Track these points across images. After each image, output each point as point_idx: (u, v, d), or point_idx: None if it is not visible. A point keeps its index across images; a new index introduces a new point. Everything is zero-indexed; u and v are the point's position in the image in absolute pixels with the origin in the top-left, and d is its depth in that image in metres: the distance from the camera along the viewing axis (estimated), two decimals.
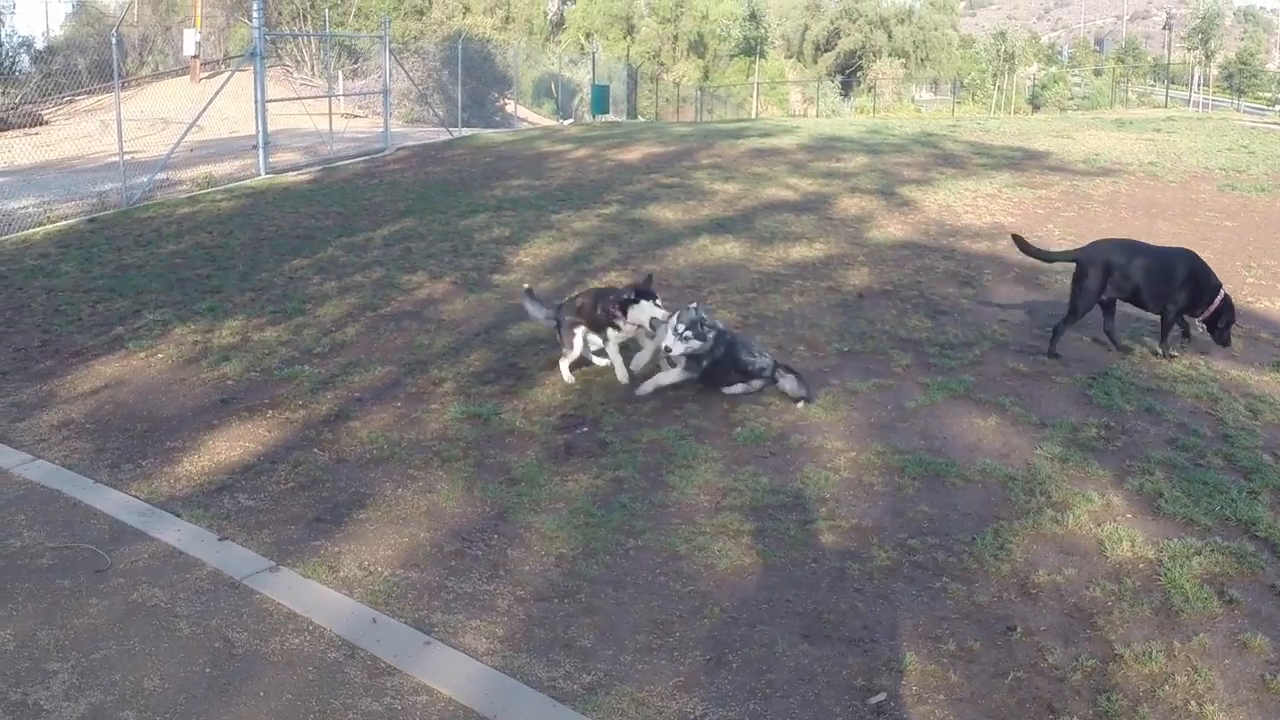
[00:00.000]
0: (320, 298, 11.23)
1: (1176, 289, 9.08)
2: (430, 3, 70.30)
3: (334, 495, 6.83)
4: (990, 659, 5.02)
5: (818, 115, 68.75)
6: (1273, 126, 38.29)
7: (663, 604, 5.49)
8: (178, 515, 6.60)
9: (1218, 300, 9.07)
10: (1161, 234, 14.06)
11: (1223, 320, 9.12)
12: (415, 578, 5.78)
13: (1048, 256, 10.04)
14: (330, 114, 25.02)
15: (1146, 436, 7.59)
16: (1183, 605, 5.43)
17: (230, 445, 7.72)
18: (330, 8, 46.07)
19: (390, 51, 27.53)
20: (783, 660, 5.01)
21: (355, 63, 45.42)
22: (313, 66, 44.84)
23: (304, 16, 51.14)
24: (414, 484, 6.95)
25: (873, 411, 7.96)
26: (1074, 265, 9.40)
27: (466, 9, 79.23)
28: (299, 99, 26.11)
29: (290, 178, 20.75)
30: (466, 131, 31.03)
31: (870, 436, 7.51)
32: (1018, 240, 9.95)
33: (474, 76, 40.76)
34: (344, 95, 35.78)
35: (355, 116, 34.88)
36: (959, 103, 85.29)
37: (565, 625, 5.32)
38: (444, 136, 28.83)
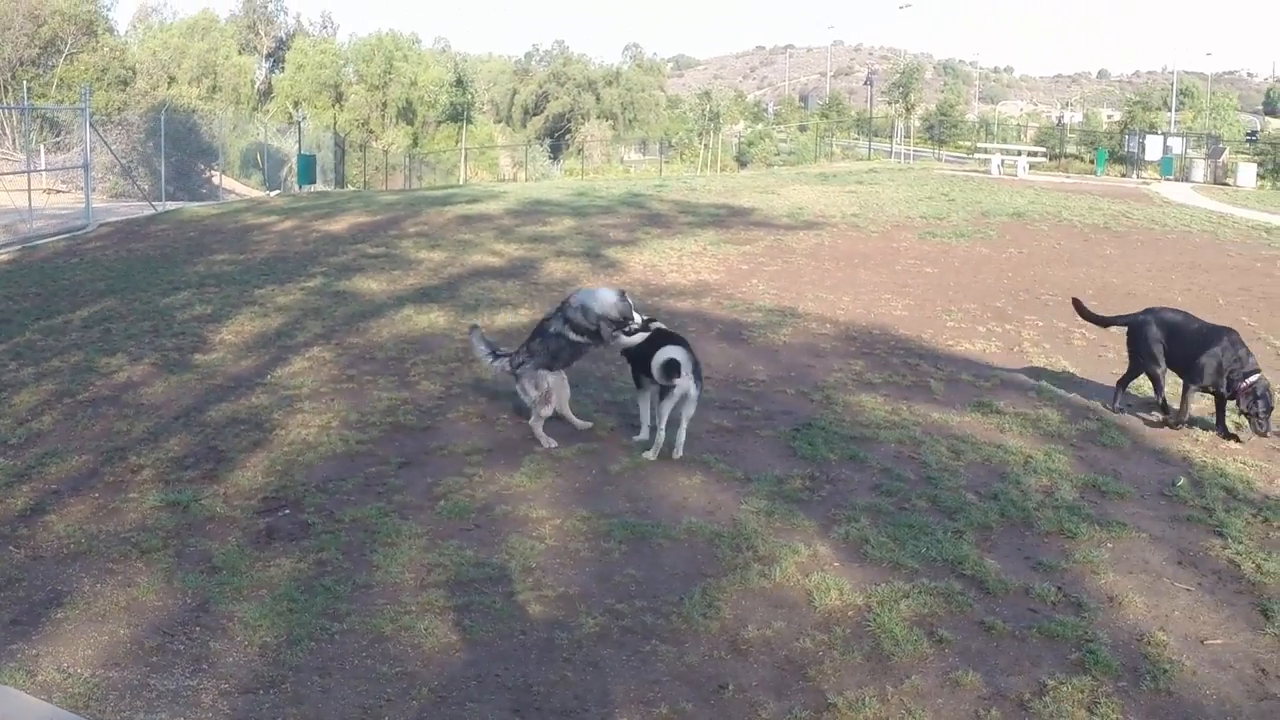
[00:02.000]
0: (16, 385, 10.71)
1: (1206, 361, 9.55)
2: (135, 72, 68.58)
3: (30, 594, 6.49)
4: (704, 719, 5.08)
5: (527, 179, 69.52)
6: (972, 174, 40.49)
7: (370, 688, 5.38)
8: None
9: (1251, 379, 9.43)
10: (864, 283, 14.68)
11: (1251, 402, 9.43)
12: (116, 677, 5.53)
13: (1104, 321, 10.67)
14: (30, 190, 24.13)
15: (851, 484, 7.86)
16: (893, 649, 5.62)
17: None
18: (30, 79, 44.50)
19: (92, 124, 26.72)
20: None
21: (58, 135, 43.92)
22: (14, 141, 43.18)
23: (4, 89, 49.23)
24: (113, 578, 6.67)
25: (578, 477, 8.02)
26: (1127, 328, 9.93)
27: (172, 79, 77.70)
28: None
29: None
30: (172, 205, 30.36)
31: (575, 502, 7.55)
32: (1076, 305, 10.73)
33: (179, 148, 39.92)
34: (46, 170, 34.54)
35: (58, 192, 33.69)
36: (667, 162, 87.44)
37: (271, 718, 5.16)
38: (148, 211, 28.06)
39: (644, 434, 8.72)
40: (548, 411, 8.80)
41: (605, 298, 8.78)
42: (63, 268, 18.16)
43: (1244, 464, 8.77)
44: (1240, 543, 7.15)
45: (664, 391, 8.18)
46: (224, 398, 9.77)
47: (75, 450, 8.84)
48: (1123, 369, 10.54)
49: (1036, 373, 11.37)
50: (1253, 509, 7.78)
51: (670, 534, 6.98)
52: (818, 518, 7.24)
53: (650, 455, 8.36)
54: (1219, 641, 5.91)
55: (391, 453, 8.51)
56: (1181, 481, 8.24)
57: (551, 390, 8.78)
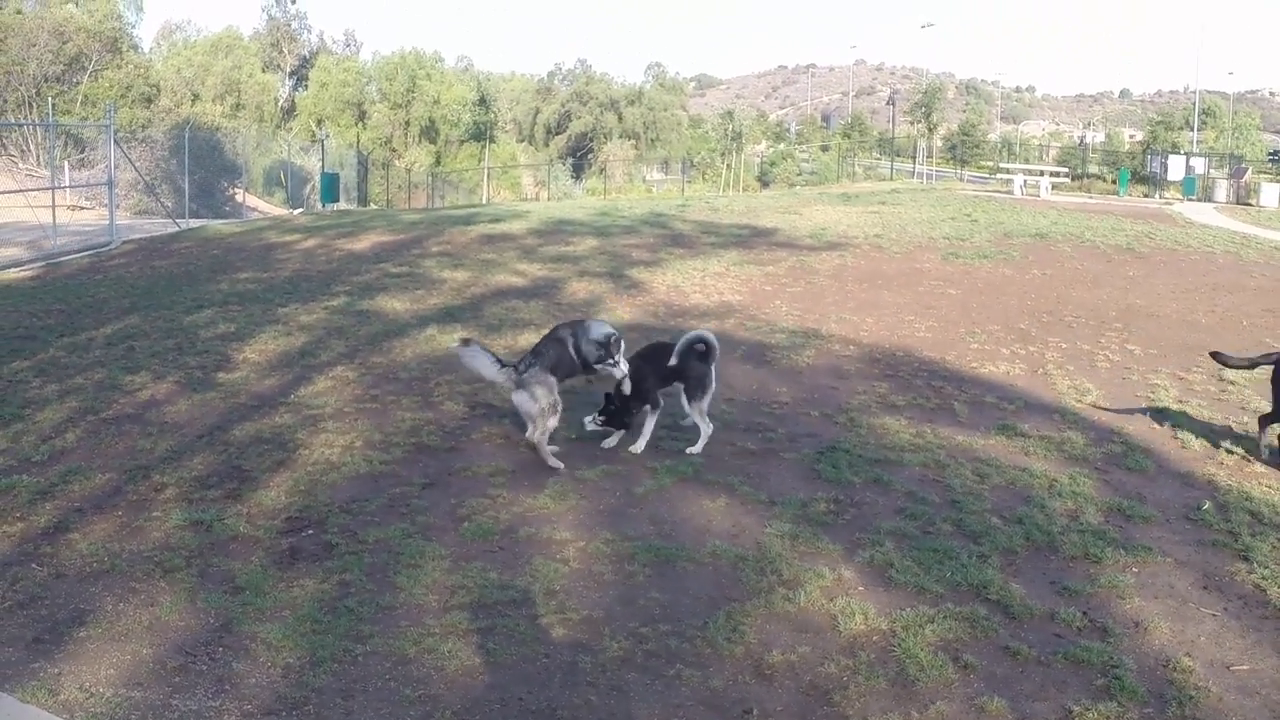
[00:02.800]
0: (40, 402, 10.75)
1: None
2: (159, 90, 68.92)
3: (53, 613, 6.51)
4: None
5: (549, 198, 69.58)
6: (994, 194, 40.44)
7: (393, 710, 5.38)
8: None
9: None
10: (886, 304, 14.67)
11: None
12: (139, 697, 5.53)
13: (1250, 364, 10.48)
14: (54, 207, 24.22)
15: (875, 508, 7.86)
16: (918, 674, 5.60)
17: None
18: (55, 96, 44.78)
19: (116, 141, 26.82)
20: None
21: (82, 153, 44.17)
22: (38, 157, 43.44)
23: (29, 105, 49.52)
24: (136, 597, 6.68)
25: (601, 499, 8.03)
26: (1273, 367, 9.76)
27: (195, 96, 78.21)
28: (21, 191, 25.15)
29: (11, 274, 19.88)
30: (195, 222, 30.45)
31: (599, 525, 7.56)
32: (1216, 356, 10.64)
33: (203, 165, 40.08)
34: (70, 187, 34.71)
35: (82, 208, 33.84)
36: (689, 182, 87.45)
37: None
38: (171, 228, 28.15)
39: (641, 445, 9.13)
40: (553, 423, 8.80)
41: (599, 329, 9.01)
42: (86, 284, 18.23)
43: (1270, 487, 8.72)
44: (1267, 567, 7.10)
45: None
46: (247, 416, 9.81)
47: (99, 468, 8.87)
48: (1146, 390, 10.51)
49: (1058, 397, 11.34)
50: (1278, 533, 7.73)
51: (694, 557, 6.98)
52: (842, 541, 7.23)
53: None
54: (1245, 667, 5.87)
55: (415, 473, 8.53)
56: (1207, 505, 8.21)
57: (558, 402, 8.81)
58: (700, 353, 9.18)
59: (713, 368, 9.30)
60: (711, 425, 9.24)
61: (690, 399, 9.22)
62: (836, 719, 5.24)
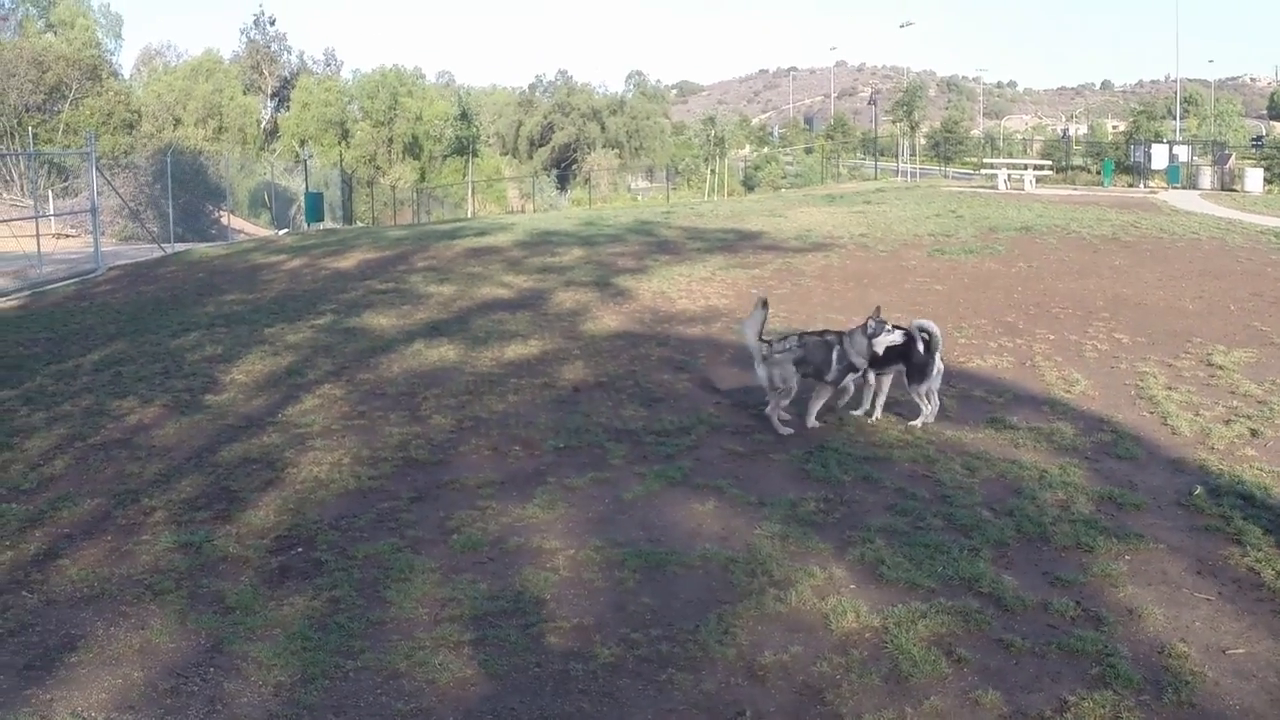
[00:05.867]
0: (27, 430, 10.73)
1: None
2: (140, 115, 68.98)
3: (44, 639, 6.48)
4: None
5: (535, 210, 69.70)
6: (979, 190, 40.51)
7: None
8: None
9: None
10: (873, 303, 14.60)
11: None
12: None
13: None
14: (38, 235, 24.23)
15: (865, 505, 7.85)
16: (911, 670, 5.59)
17: None
18: (36, 125, 44.78)
19: (99, 168, 26.82)
20: None
21: (65, 180, 44.19)
22: (22, 187, 43.45)
23: (11, 135, 49.50)
24: (126, 621, 6.65)
25: (591, 506, 8.01)
26: None
27: (177, 121, 78.22)
28: (6, 221, 25.14)
29: None
30: (180, 247, 30.41)
31: (589, 532, 7.54)
32: None
33: (187, 189, 40.11)
34: (54, 215, 34.72)
35: (67, 236, 33.84)
36: (674, 189, 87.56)
37: None
38: (157, 253, 28.08)
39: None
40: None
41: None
42: (73, 312, 18.19)
43: (1260, 470, 8.72)
44: (1260, 550, 7.11)
45: None
46: (235, 437, 9.79)
47: (87, 494, 8.84)
48: (1134, 378, 10.51)
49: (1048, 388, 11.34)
50: (1271, 515, 7.73)
51: (684, 561, 6.97)
52: (833, 540, 7.22)
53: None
54: (1241, 651, 5.87)
55: (404, 488, 8.51)
56: (1198, 491, 8.20)
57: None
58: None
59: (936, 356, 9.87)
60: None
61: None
62: (830, 718, 5.23)
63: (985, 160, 70.37)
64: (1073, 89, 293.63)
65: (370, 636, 6.26)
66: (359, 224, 57.52)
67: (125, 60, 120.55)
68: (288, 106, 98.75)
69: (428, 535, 7.66)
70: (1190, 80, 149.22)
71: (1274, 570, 6.79)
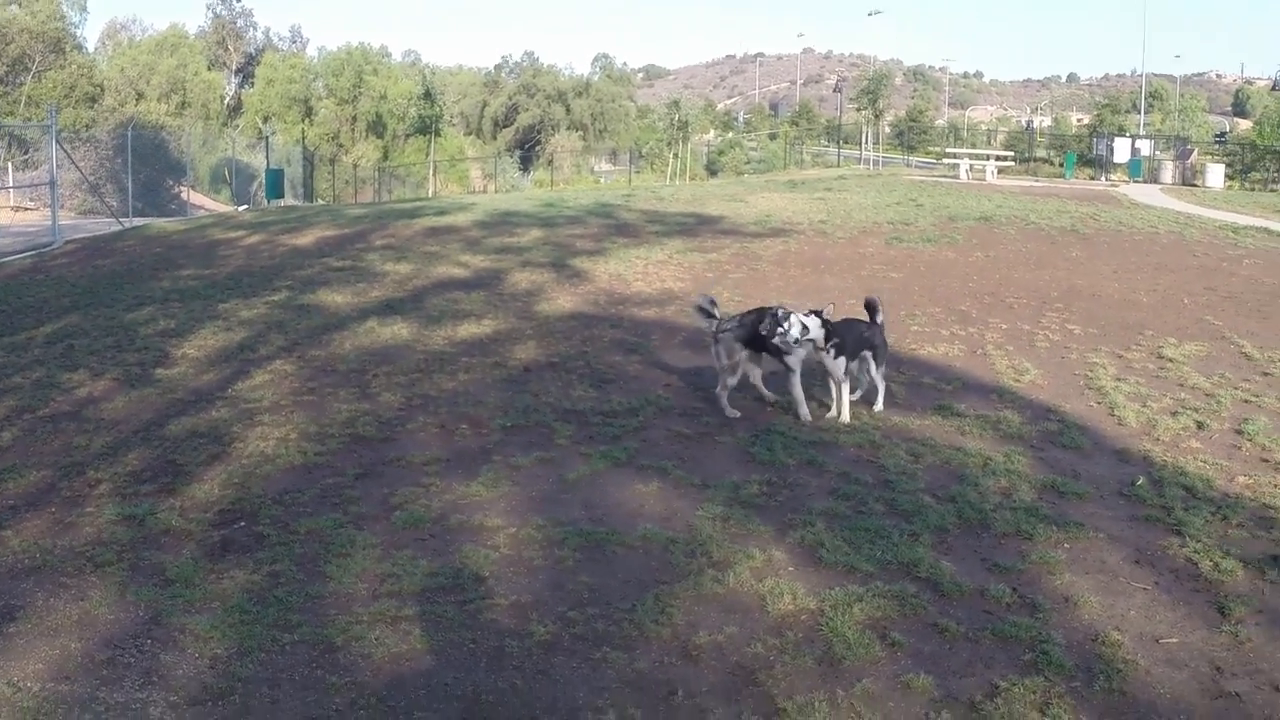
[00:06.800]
0: None
1: None
2: (103, 89, 68.48)
3: None
4: None
5: (497, 191, 69.54)
6: (941, 179, 40.67)
7: (319, 699, 5.34)
8: None
9: None
10: (829, 289, 14.71)
11: None
12: (66, 691, 5.48)
13: None
14: None
15: (809, 489, 7.88)
16: (845, 653, 5.61)
17: None
18: None
19: (59, 141, 26.60)
20: None
21: (26, 153, 43.79)
22: None
23: None
24: (66, 592, 6.62)
25: (534, 485, 8.01)
26: None
27: (140, 95, 77.68)
28: None
29: None
30: (139, 221, 30.22)
31: (531, 511, 7.54)
32: None
33: (147, 164, 39.84)
34: (13, 188, 34.43)
35: (25, 209, 33.69)
36: (637, 172, 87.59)
37: None
38: (115, 228, 27.91)
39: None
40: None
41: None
42: (28, 285, 18.06)
43: (1204, 462, 8.79)
44: (1199, 540, 7.16)
45: None
46: (184, 412, 9.75)
47: (33, 465, 8.79)
48: (1084, 369, 10.59)
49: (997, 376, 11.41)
50: (1212, 507, 7.80)
51: (625, 541, 6.98)
52: (774, 523, 7.25)
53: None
54: (1174, 640, 5.91)
55: (349, 464, 8.49)
56: (1140, 481, 8.27)
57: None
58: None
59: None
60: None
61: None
62: (762, 699, 5.24)
63: (948, 150, 70.65)
64: (1039, 81, 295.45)
65: (308, 610, 6.25)
66: (320, 201, 57.27)
67: (90, 34, 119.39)
68: (252, 83, 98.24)
69: (370, 511, 7.64)
70: (1156, 75, 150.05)
71: (1211, 561, 6.84)
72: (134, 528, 7.49)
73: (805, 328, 9.30)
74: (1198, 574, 6.74)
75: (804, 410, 9.64)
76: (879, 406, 9.94)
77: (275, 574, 6.72)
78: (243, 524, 7.54)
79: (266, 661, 5.69)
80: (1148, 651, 5.77)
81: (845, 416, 9.63)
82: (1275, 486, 8.28)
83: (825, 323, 9.42)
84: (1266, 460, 8.93)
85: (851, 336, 9.72)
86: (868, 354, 9.91)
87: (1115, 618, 6.15)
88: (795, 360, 9.59)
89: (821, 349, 9.45)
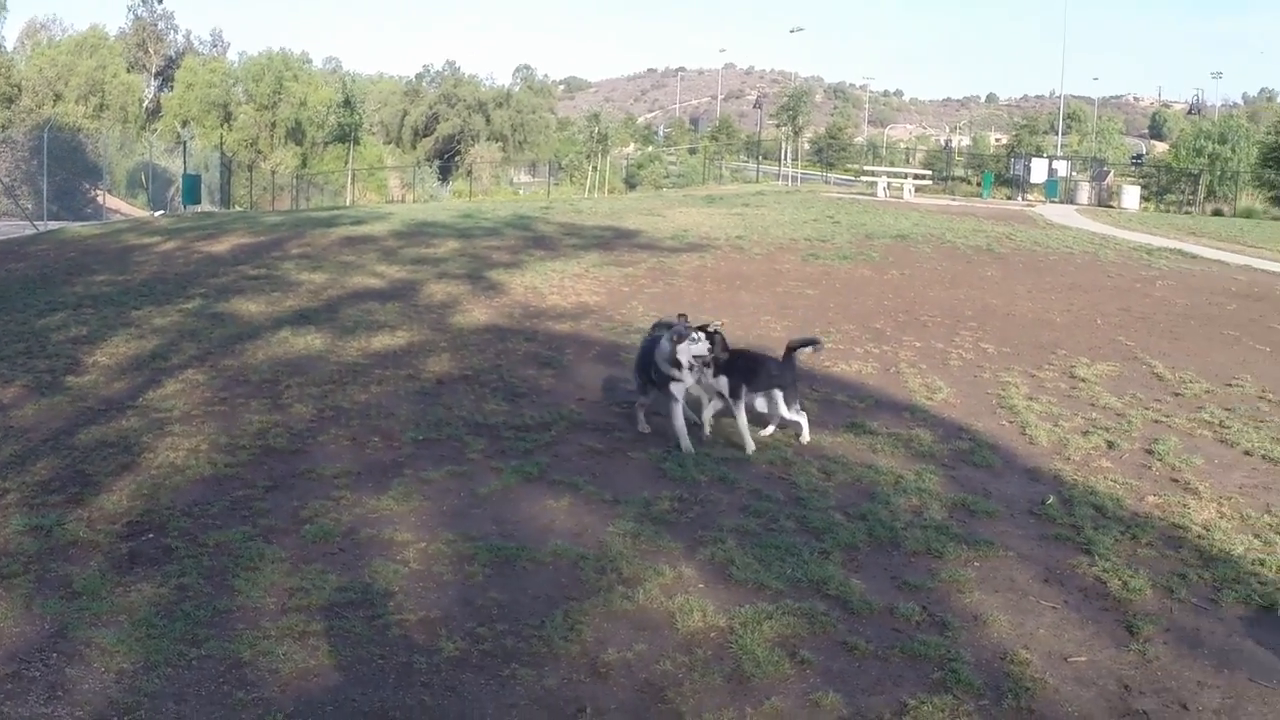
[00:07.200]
0: None
1: None
2: (20, 90, 67.57)
3: None
4: None
5: (415, 200, 69.24)
6: (859, 197, 41.03)
7: (225, 714, 5.28)
8: None
9: None
10: (744, 305, 14.79)
11: None
12: None
13: None
14: None
15: (720, 505, 7.90)
16: (754, 670, 5.63)
17: None
18: None
19: None
20: None
21: None
22: None
23: None
24: None
25: (445, 500, 7.97)
26: None
27: (58, 97, 76.62)
28: None
29: None
30: (54, 225, 29.86)
31: (442, 525, 7.50)
32: None
33: (63, 167, 39.30)
34: None
35: None
36: (557, 184, 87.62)
37: None
38: (29, 231, 27.61)
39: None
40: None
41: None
42: None
43: (1114, 482, 8.91)
44: (1108, 559, 7.26)
45: None
46: (94, 421, 9.62)
47: None
48: (997, 388, 10.70)
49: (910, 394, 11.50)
50: (1121, 526, 7.91)
51: (535, 557, 6.96)
52: (684, 539, 7.26)
53: None
54: (1083, 658, 5.98)
55: (260, 476, 8.41)
56: (1051, 500, 8.36)
57: None
58: None
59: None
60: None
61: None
62: (670, 716, 5.25)
63: (866, 168, 71.28)
64: (958, 100, 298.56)
65: (216, 625, 6.18)
66: (237, 208, 56.72)
67: (9, 33, 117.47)
68: (172, 86, 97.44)
69: (280, 524, 7.57)
70: (1075, 97, 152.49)
71: (1120, 580, 6.93)
72: (41, 539, 7.37)
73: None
74: (1106, 593, 6.83)
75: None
76: (805, 437, 9.84)
77: (183, 587, 6.64)
78: (151, 536, 7.45)
79: (173, 677, 5.62)
80: (1056, 670, 5.83)
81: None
82: (1184, 506, 8.40)
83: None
84: (1176, 480, 9.06)
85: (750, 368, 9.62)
86: (777, 392, 9.80)
87: (1024, 636, 6.21)
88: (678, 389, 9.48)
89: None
